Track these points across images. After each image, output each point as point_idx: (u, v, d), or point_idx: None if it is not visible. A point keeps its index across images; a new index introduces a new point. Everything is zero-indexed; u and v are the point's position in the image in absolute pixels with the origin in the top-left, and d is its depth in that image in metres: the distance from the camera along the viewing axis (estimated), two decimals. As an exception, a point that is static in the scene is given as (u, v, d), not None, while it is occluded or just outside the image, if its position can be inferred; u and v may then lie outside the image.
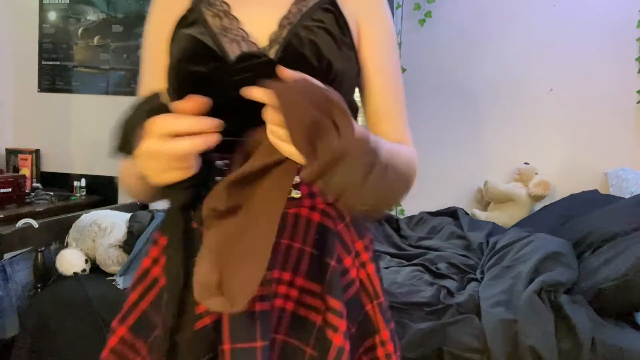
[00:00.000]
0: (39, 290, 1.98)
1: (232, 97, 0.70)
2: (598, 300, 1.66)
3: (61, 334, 1.87)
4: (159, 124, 0.62)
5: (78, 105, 3.01)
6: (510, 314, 1.62)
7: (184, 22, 0.81)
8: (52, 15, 3.02)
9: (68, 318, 1.88)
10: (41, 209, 2.53)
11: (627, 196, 2.28)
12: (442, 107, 2.85)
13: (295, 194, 0.79)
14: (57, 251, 2.08)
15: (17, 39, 3.07)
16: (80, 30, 2.99)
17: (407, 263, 2.13)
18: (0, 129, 3.05)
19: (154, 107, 0.64)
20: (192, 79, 0.78)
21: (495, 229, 2.43)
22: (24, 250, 2.07)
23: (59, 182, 2.97)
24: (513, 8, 2.76)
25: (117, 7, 2.93)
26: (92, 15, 2.97)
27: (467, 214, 2.66)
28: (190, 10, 0.81)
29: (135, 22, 2.90)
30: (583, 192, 2.53)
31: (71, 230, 2.12)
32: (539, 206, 2.65)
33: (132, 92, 2.84)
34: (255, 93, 0.63)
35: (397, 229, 2.52)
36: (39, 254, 1.98)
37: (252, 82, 0.64)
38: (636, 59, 2.63)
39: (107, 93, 2.96)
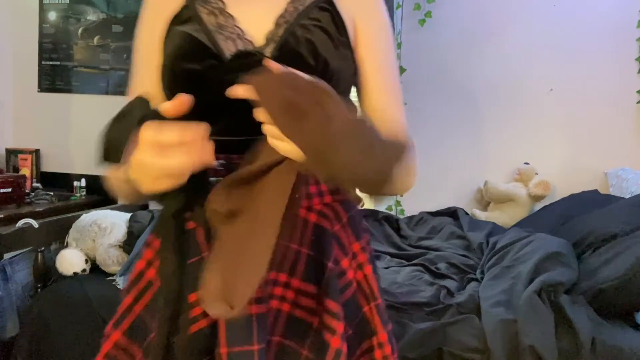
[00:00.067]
0: (39, 290, 1.98)
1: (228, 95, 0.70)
2: (598, 300, 1.66)
3: (61, 334, 1.87)
4: (149, 135, 0.59)
5: (78, 105, 3.01)
6: (510, 314, 1.62)
7: (178, 19, 0.80)
8: (52, 15, 3.02)
9: (68, 318, 1.88)
10: (41, 209, 2.53)
11: (627, 196, 2.28)
12: (442, 107, 2.85)
13: None
14: (57, 251, 2.08)
15: (17, 39, 3.07)
16: (80, 30, 2.99)
17: (407, 263, 2.13)
18: (0, 129, 3.05)
19: (145, 115, 0.62)
20: (187, 76, 0.76)
21: (495, 229, 2.43)
22: (24, 250, 2.07)
23: (59, 182, 2.97)
24: (513, 8, 2.76)
25: (117, 7, 2.93)
26: (92, 15, 2.97)
27: (467, 214, 2.65)
28: (184, 8, 0.80)
29: (135, 22, 2.84)
30: (583, 192, 2.53)
31: (71, 230, 2.12)
32: (539, 206, 2.65)
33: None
34: (238, 91, 0.62)
35: (397, 229, 2.52)
36: (39, 254, 1.98)
37: None
38: (636, 59, 2.63)
39: (107, 93, 2.96)
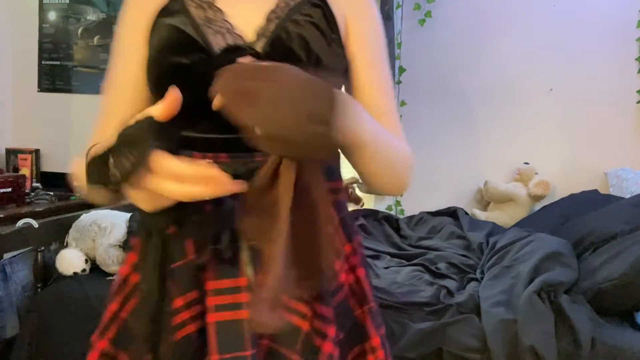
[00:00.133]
0: (39, 290, 1.98)
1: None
2: (598, 300, 1.66)
3: (61, 334, 1.87)
4: (165, 166, 0.55)
5: (78, 105, 3.01)
6: (510, 314, 1.62)
7: (165, 12, 0.78)
8: (52, 15, 3.02)
9: (68, 318, 1.88)
10: (41, 209, 2.53)
11: (627, 196, 2.28)
12: (442, 107, 2.85)
13: None
14: (57, 251, 2.08)
15: (17, 39, 3.07)
16: (80, 30, 2.99)
17: (407, 263, 2.13)
18: (0, 129, 3.05)
19: (157, 145, 0.57)
20: (174, 70, 0.74)
21: (495, 229, 2.43)
22: (24, 250, 2.07)
23: (58, 182, 2.97)
24: (513, 8, 2.76)
25: (117, 7, 2.93)
26: (92, 15, 2.97)
27: (467, 214, 2.66)
28: (172, 1, 0.78)
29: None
30: (583, 192, 2.53)
31: (71, 230, 2.12)
32: (539, 206, 2.65)
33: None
34: (212, 95, 0.60)
35: (397, 229, 2.52)
36: (39, 254, 1.98)
37: None
38: (636, 59, 2.63)
39: (107, 93, 2.96)
